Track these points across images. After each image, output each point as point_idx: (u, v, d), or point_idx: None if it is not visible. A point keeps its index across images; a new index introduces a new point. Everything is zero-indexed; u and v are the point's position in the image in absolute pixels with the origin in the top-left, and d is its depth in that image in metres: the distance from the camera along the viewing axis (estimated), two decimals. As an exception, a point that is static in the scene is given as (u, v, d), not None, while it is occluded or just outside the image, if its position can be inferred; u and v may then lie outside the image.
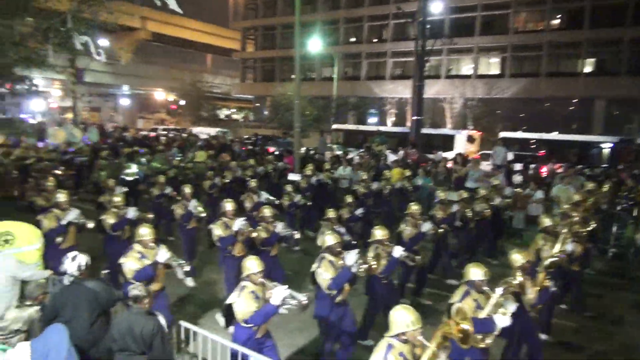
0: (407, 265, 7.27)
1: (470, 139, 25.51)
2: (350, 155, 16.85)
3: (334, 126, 30.75)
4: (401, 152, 15.59)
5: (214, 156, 15.56)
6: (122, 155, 15.59)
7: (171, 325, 4.83)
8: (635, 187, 10.54)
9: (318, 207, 10.87)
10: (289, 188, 10.63)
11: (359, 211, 9.21)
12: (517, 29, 34.03)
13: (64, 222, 7.12)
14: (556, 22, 33.13)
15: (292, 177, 12.26)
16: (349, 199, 9.51)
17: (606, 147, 22.00)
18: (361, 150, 19.03)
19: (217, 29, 65.30)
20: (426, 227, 7.28)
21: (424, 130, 30.33)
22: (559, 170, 13.83)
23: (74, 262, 4.44)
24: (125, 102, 60.14)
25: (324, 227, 7.73)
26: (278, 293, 4.39)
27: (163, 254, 5.45)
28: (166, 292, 5.99)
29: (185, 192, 8.92)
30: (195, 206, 8.38)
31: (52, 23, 6.77)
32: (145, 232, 5.66)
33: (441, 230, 7.94)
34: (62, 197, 7.47)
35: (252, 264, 4.76)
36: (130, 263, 5.46)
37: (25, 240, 5.50)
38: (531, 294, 5.08)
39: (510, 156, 22.76)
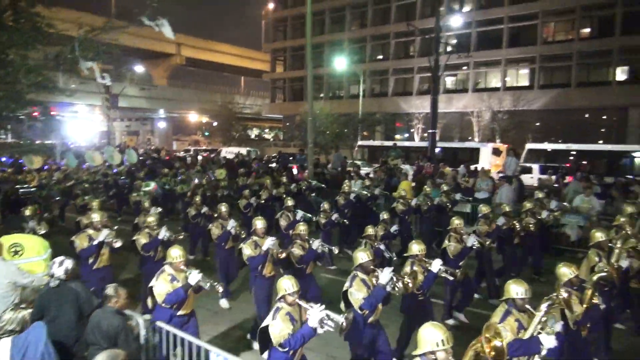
0: (452, 284, 6.97)
1: (496, 152, 25.17)
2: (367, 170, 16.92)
3: (359, 142, 31.00)
4: (412, 166, 15.63)
5: (232, 174, 15.96)
6: (160, 177, 15.90)
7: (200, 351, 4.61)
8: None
9: (357, 225, 10.54)
10: (325, 205, 10.32)
11: (394, 228, 8.95)
12: (546, 39, 33.57)
13: (95, 242, 7.03)
14: (586, 30, 32.50)
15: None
16: (386, 215, 9.15)
17: (638, 157, 21.31)
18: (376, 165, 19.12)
19: (249, 52, 67.29)
20: (471, 241, 7.03)
21: (450, 144, 30.46)
22: (568, 181, 13.54)
23: (62, 267, 4.76)
24: (161, 125, 62.44)
25: (362, 244, 7.46)
26: (314, 314, 4.09)
27: (194, 276, 5.17)
28: (197, 316, 5.77)
29: (222, 211, 8.67)
30: (234, 226, 8.13)
31: (62, 50, 7.32)
32: (176, 253, 5.40)
33: (487, 244, 7.58)
34: (96, 216, 7.43)
35: (287, 284, 4.44)
36: (160, 286, 5.24)
37: (33, 251, 5.93)
38: (576, 310, 4.73)
39: (536, 167, 22.54)
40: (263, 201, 11.82)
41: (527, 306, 4.31)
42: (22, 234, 6.40)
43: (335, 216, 9.85)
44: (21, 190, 13.21)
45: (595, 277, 5.04)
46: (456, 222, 7.46)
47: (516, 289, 4.35)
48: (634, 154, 21.60)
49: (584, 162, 20.89)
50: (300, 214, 9.46)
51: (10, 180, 14.82)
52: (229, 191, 14.56)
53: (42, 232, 7.83)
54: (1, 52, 7.06)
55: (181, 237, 7.66)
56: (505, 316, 4.29)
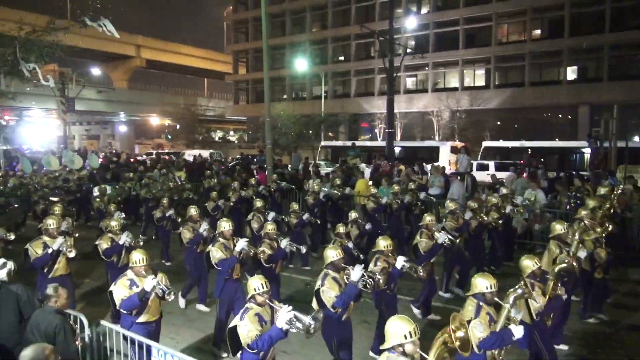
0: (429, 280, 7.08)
1: (455, 150, 25.85)
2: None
3: (322, 143, 31.25)
4: (369, 165, 15.98)
5: (192, 176, 15.86)
6: (125, 181, 15.47)
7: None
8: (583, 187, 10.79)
9: (330, 224, 10.54)
10: (295, 205, 10.25)
11: (368, 226, 8.97)
12: (500, 41, 34.69)
13: (49, 250, 6.64)
14: (537, 32, 33.79)
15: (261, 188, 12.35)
16: (354, 214, 9.04)
17: (587, 152, 22.33)
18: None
19: (211, 54, 66.66)
20: (442, 238, 7.03)
21: (410, 143, 31.10)
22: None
23: (4, 269, 4.75)
24: (122, 128, 61.08)
25: (332, 242, 7.41)
26: (283, 315, 4.02)
27: (149, 282, 4.96)
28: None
29: (192, 213, 8.44)
30: (206, 229, 7.85)
31: (3, 52, 7.16)
32: (137, 257, 5.20)
33: (457, 241, 7.55)
34: (51, 222, 7.01)
35: (257, 284, 4.35)
36: (118, 291, 5.06)
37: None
38: (539, 301, 4.83)
39: (492, 164, 23.31)
40: (232, 203, 11.72)
41: (496, 299, 4.35)
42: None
43: (306, 216, 9.81)
44: None
45: (556, 269, 5.14)
46: (428, 218, 7.49)
47: (485, 283, 4.38)
48: (583, 150, 22.60)
49: (532, 159, 21.77)
50: (272, 214, 9.33)
51: None
52: (193, 194, 14.46)
53: (12, 238, 7.57)
54: None
55: (141, 243, 7.38)
56: (479, 311, 4.31)
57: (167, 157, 29.22)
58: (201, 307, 7.93)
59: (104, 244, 7.39)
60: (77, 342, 4.33)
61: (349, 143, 31.16)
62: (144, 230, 12.63)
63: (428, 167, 16.06)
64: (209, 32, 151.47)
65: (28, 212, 13.76)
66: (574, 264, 5.76)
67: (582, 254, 6.23)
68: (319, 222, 10.57)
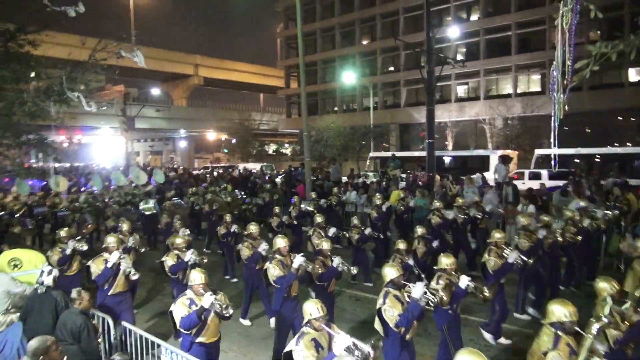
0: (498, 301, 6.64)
1: (506, 159, 25.15)
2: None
3: (371, 154, 31.34)
4: (408, 175, 15.93)
5: (235, 188, 16.30)
6: (187, 196, 15.80)
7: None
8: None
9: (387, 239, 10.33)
10: (355, 220, 9.98)
11: (435, 243, 8.59)
12: (555, 44, 33.38)
13: (109, 264, 6.64)
14: (596, 33, 32.27)
15: (304, 205, 12.59)
16: (420, 229, 8.66)
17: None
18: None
19: (264, 69, 68.62)
20: (513, 257, 6.62)
21: (459, 153, 30.51)
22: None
23: (50, 276, 5.35)
24: (182, 144, 64.09)
25: (391, 259, 7.25)
26: (340, 342, 3.86)
27: (207, 299, 4.89)
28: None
29: (252, 230, 8.24)
30: (265, 249, 7.69)
31: (51, 83, 8.06)
32: (195, 276, 5.17)
33: (530, 261, 7.04)
34: (111, 240, 7.11)
35: (313, 309, 4.27)
36: (178, 310, 5.00)
37: (31, 265, 6.56)
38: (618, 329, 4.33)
39: (545, 173, 22.45)
40: (293, 220, 11.47)
41: (576, 327, 4.00)
42: (20, 249, 7.06)
43: (367, 231, 9.50)
44: (59, 213, 13.56)
45: (638, 293, 4.61)
46: (497, 235, 7.02)
47: (563, 311, 4.05)
48: (645, 156, 21.32)
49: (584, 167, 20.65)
50: (332, 230, 9.16)
51: (42, 205, 15.41)
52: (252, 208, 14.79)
53: (85, 248, 7.94)
54: (-1, 88, 7.88)
55: (205, 260, 7.45)
56: (557, 341, 3.97)
57: (221, 172, 30.42)
58: (244, 321, 7.94)
59: (169, 261, 7.51)
60: (99, 340, 4.82)
61: (397, 153, 31.15)
62: (208, 245, 12.82)
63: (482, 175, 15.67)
64: (264, 48, 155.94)
65: (100, 228, 13.99)
66: None
67: None
68: (381, 236, 10.30)
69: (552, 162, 23.20)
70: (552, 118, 30.34)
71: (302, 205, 12.35)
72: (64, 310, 5.03)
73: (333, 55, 44.77)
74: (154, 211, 13.49)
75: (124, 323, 5.38)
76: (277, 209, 11.56)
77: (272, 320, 7.67)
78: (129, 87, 66.79)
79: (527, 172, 22.53)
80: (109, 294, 6.67)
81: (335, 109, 45.29)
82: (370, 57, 43.00)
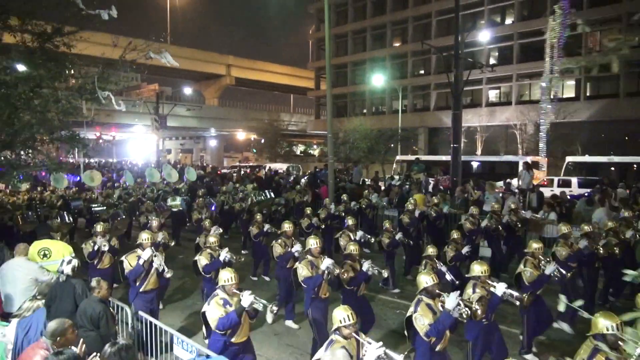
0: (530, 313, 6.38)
1: (535, 165, 24.68)
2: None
3: (398, 157, 31.23)
4: (429, 179, 15.84)
5: (259, 188, 16.49)
6: (219, 194, 15.98)
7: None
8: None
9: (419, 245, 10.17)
10: (387, 224, 9.85)
11: (465, 249, 8.30)
12: (592, 49, 32.54)
13: (140, 261, 6.63)
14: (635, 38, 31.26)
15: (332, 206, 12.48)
16: (456, 234, 8.55)
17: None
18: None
19: (295, 70, 69.16)
20: (551, 269, 6.35)
21: (488, 158, 30.07)
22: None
23: (69, 265, 5.65)
24: (212, 142, 65.22)
25: (423, 266, 7.18)
26: (372, 352, 3.80)
27: (247, 298, 4.86)
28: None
29: (286, 229, 8.29)
30: (298, 250, 7.66)
31: (84, 82, 8.50)
32: (226, 276, 5.11)
33: (569, 274, 6.81)
34: (145, 237, 7.04)
35: (343, 315, 4.18)
36: (213, 311, 4.93)
37: (59, 255, 6.93)
38: None
39: (575, 181, 21.93)
40: (323, 222, 11.51)
41: (620, 342, 3.79)
42: (50, 239, 7.51)
43: (398, 235, 9.41)
44: (95, 208, 14.04)
45: None
46: (534, 245, 6.74)
47: (606, 323, 3.88)
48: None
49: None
50: (359, 233, 9.08)
51: (78, 199, 15.86)
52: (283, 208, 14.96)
53: (105, 248, 8.05)
54: (35, 86, 8.32)
55: (242, 259, 7.42)
56: (594, 354, 3.83)
57: (248, 171, 30.88)
58: (290, 323, 7.85)
59: (203, 260, 7.40)
60: (116, 327, 5.10)
61: (423, 157, 30.95)
62: (244, 245, 12.69)
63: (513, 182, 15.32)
64: (296, 50, 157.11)
65: (132, 223, 14.24)
66: None
67: None
68: (411, 242, 10.13)
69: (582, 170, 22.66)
70: (540, 127, 29.89)
71: (332, 207, 12.27)
72: (81, 297, 5.31)
73: (364, 58, 44.82)
74: (180, 208, 13.86)
75: (141, 313, 5.63)
76: (308, 210, 11.57)
77: (289, 322, 7.78)
78: (163, 85, 68.52)
79: (556, 179, 22.07)
80: (141, 290, 6.67)
81: (365, 111, 45.33)
82: (401, 60, 42.85)
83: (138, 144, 62.92)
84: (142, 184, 20.45)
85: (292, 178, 21.09)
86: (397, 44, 43.67)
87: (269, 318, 7.64)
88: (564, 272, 6.54)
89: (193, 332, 7.41)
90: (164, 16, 58.53)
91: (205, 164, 44.89)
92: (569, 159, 24.52)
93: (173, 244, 9.14)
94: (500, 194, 12.40)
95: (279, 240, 8.23)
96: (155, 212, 12.93)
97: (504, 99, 37.62)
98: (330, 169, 14.48)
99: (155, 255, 6.76)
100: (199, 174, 24.83)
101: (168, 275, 6.86)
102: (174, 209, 13.68)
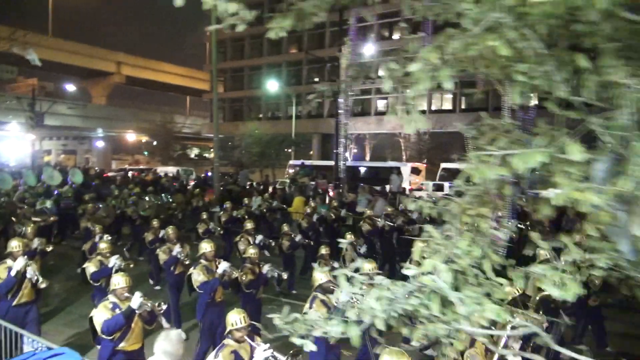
0: None
1: (415, 171, 26.65)
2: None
3: (290, 162, 31.96)
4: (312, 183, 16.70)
5: (144, 191, 15.92)
6: (110, 198, 15.01)
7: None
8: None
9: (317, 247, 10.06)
10: (286, 227, 10.04)
11: (363, 250, 8.84)
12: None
13: (12, 272, 6.05)
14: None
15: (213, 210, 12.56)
16: (349, 236, 8.80)
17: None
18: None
19: (192, 72, 67.53)
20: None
21: (373, 164, 31.92)
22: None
23: None
24: (100, 144, 61.18)
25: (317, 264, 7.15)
26: (259, 354, 3.87)
27: (136, 300, 4.73)
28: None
29: (169, 234, 8.22)
30: (179, 252, 7.61)
31: None
32: (118, 280, 5.00)
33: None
34: (15, 245, 6.50)
35: (235, 318, 4.21)
36: (100, 315, 4.74)
37: None
38: None
39: (447, 185, 24.04)
40: (223, 225, 11.42)
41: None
42: None
43: (298, 238, 9.68)
44: None
45: None
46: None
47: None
48: None
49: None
50: (259, 237, 9.19)
51: None
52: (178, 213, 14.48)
53: None
54: None
55: (132, 265, 7.13)
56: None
57: (136, 174, 29.57)
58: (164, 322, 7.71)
59: (92, 267, 7.04)
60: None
61: (316, 162, 32.00)
62: (140, 252, 12.06)
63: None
64: (194, 51, 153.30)
65: (4, 230, 12.65)
66: None
67: None
68: (312, 243, 10.35)
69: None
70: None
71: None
72: None
73: (260, 63, 45.10)
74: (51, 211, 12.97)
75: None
76: (204, 215, 11.46)
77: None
78: (44, 81, 62.99)
79: (431, 183, 24.05)
80: (13, 304, 6.14)
81: (261, 115, 45.55)
82: (296, 67, 43.74)
83: (11, 144, 57.09)
84: (17, 187, 18.58)
85: (178, 182, 20.69)
86: (293, 51, 44.53)
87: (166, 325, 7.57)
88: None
89: (83, 346, 6.72)
90: (47, 6, 54.07)
91: (88, 166, 41.96)
92: (443, 165, 26.81)
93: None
94: (371, 197, 13.34)
95: (163, 247, 8.11)
96: (35, 217, 11.99)
97: (391, 109, 40.00)
98: (215, 172, 14.52)
99: (29, 265, 6.23)
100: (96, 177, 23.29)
101: (42, 285, 6.38)
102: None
